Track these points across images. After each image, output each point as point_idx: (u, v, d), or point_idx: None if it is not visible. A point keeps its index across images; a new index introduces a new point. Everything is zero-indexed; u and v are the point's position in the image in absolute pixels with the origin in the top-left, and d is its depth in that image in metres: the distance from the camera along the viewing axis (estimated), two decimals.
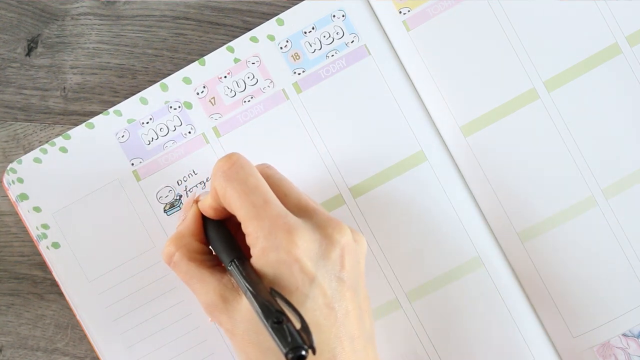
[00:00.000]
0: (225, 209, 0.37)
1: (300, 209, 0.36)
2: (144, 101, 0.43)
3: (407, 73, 0.42)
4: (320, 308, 0.34)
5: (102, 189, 0.43)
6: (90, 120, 0.43)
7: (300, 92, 0.43)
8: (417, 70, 0.42)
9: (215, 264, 0.37)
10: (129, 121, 0.43)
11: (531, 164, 0.42)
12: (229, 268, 0.36)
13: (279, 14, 0.44)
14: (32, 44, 0.45)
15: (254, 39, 0.43)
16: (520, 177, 0.42)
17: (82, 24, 0.44)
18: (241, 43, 0.43)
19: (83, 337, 0.44)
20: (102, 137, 0.43)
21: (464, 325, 0.42)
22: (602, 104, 0.42)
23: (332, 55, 0.42)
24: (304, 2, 0.42)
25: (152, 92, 0.43)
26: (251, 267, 0.35)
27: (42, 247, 0.43)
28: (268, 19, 0.43)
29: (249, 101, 0.43)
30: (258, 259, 0.34)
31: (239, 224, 0.36)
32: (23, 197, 0.43)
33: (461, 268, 0.42)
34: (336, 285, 0.35)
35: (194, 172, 0.43)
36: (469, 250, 0.42)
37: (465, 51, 0.42)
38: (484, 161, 0.42)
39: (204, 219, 0.39)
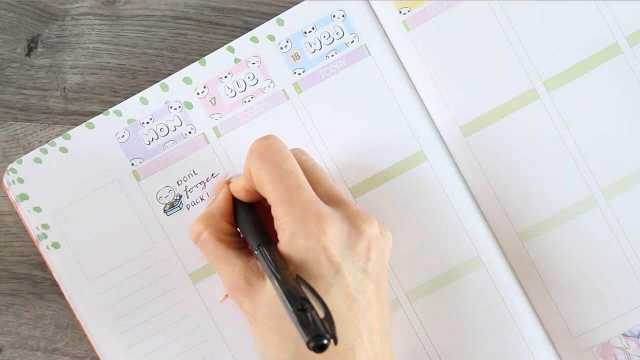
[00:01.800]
0: (256, 192, 0.37)
1: (331, 198, 0.36)
2: (144, 101, 0.43)
3: (407, 73, 0.42)
4: (343, 298, 0.34)
5: (102, 189, 0.43)
6: (91, 120, 0.43)
7: (300, 92, 0.43)
8: (417, 70, 0.42)
9: (242, 246, 0.37)
10: (129, 121, 0.43)
11: (531, 164, 0.42)
12: (256, 252, 0.35)
13: (279, 14, 0.44)
14: (32, 44, 0.44)
15: (254, 39, 0.43)
16: (520, 177, 0.42)
17: (82, 24, 0.44)
18: (241, 43, 0.43)
19: (83, 337, 0.44)
20: (102, 137, 0.43)
21: (464, 325, 0.42)
22: (602, 104, 0.42)
23: (332, 56, 0.42)
24: (304, 2, 0.43)
25: (152, 92, 0.43)
26: (278, 252, 0.35)
27: (42, 247, 0.43)
28: (268, 19, 0.43)
29: (249, 101, 0.43)
30: (286, 244, 0.34)
31: (268, 208, 0.36)
32: (23, 197, 0.43)
33: (461, 268, 0.42)
34: (361, 276, 0.34)
35: (194, 172, 0.43)
36: (469, 250, 0.42)
37: (465, 51, 0.42)
38: (483, 161, 0.42)
39: (234, 201, 0.38)
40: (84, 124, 0.43)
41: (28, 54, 0.45)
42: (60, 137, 0.43)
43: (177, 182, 0.43)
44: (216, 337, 0.43)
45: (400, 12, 0.42)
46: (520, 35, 0.42)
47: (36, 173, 0.43)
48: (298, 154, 0.38)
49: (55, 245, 0.43)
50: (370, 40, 0.42)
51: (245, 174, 0.36)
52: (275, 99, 0.43)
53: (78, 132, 0.43)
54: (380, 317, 0.35)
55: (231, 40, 0.43)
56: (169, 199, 0.43)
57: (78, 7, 0.44)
